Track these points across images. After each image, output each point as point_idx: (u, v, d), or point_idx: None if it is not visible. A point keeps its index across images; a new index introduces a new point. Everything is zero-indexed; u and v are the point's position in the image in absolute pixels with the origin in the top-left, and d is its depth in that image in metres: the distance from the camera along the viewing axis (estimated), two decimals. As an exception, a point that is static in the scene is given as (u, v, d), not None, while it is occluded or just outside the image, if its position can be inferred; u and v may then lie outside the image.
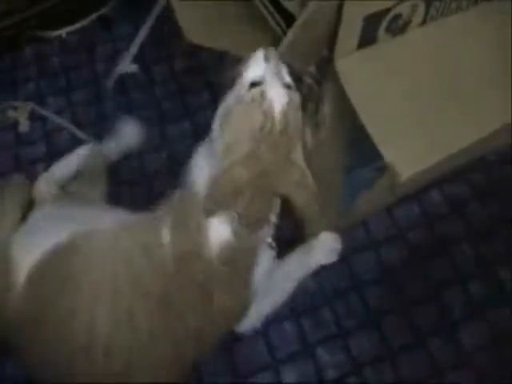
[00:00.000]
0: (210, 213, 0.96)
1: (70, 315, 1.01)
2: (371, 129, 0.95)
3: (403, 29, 0.96)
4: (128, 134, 1.52)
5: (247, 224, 0.98)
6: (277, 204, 1.04)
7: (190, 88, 1.68)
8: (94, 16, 1.82)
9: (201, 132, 1.56)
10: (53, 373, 1.04)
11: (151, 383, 1.04)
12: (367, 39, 0.94)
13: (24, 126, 1.62)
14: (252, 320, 1.17)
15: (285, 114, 0.94)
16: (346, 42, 0.93)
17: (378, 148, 0.95)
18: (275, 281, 1.18)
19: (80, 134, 1.61)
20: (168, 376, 1.04)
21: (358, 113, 0.95)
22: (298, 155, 0.97)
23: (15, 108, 1.65)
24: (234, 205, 0.95)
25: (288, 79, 0.98)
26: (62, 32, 1.81)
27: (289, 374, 1.29)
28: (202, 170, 1.02)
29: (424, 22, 0.99)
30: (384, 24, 0.92)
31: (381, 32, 0.94)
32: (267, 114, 0.93)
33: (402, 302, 1.37)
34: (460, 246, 1.46)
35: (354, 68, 0.96)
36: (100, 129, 1.61)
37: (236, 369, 1.29)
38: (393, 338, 1.31)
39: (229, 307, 1.04)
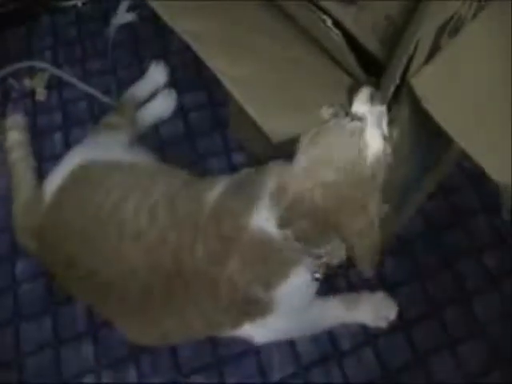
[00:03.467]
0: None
1: (98, 209, 1.10)
2: (465, 143, 0.89)
3: (459, 28, 0.93)
4: (156, 75, 1.61)
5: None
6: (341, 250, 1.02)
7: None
8: (109, -15, 1.80)
9: (216, 102, 1.60)
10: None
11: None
12: (434, 50, 0.91)
13: (41, 94, 1.63)
14: (268, 332, 1.16)
15: (378, 160, 0.93)
16: (418, 59, 0.90)
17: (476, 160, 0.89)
18: (309, 314, 1.17)
19: (103, 97, 1.62)
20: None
21: (447, 130, 0.89)
22: (374, 205, 0.95)
23: (32, 77, 1.66)
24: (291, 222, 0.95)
25: (386, 130, 0.95)
26: (78, 1, 1.81)
27: (302, 343, 1.30)
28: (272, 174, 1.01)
29: (475, 16, 0.96)
30: (448, 29, 0.89)
31: (444, 38, 0.91)
32: (362, 154, 0.92)
33: (417, 273, 1.38)
34: (475, 217, 1.46)
35: (429, 84, 0.91)
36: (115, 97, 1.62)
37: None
38: (407, 308, 1.31)
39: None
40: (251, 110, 0.98)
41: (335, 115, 0.96)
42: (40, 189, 1.22)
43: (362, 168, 0.92)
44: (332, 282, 1.33)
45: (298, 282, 1.04)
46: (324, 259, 1.01)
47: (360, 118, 0.94)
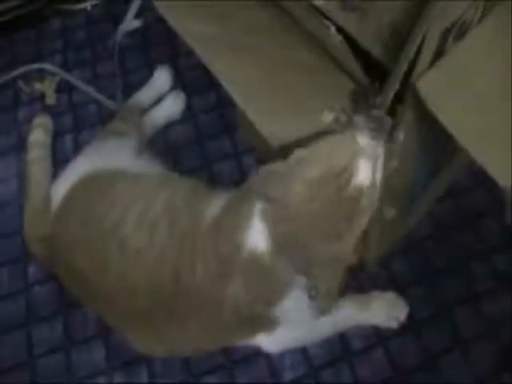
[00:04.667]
0: None
1: (103, 216, 1.11)
2: (470, 146, 0.89)
3: (465, 32, 0.93)
4: (160, 80, 1.61)
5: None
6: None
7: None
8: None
9: (226, 104, 1.60)
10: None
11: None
12: (438, 54, 0.91)
13: (51, 98, 1.64)
14: (278, 343, 1.17)
15: (361, 190, 0.90)
16: (423, 63, 0.89)
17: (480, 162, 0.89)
18: (319, 322, 1.14)
19: (108, 102, 1.62)
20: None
21: (452, 132, 0.89)
22: (349, 244, 0.93)
23: (41, 80, 1.66)
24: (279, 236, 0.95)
25: (378, 178, 0.93)
26: (87, 5, 1.82)
27: (313, 344, 1.30)
28: None
29: (480, 20, 0.96)
30: (453, 34, 0.89)
31: (449, 42, 0.91)
32: (347, 172, 0.90)
33: (427, 274, 1.37)
34: (485, 218, 1.46)
35: (434, 87, 0.90)
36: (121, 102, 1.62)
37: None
38: (417, 309, 1.31)
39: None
40: (251, 114, 0.99)
41: (336, 120, 0.96)
42: (49, 194, 1.22)
43: (344, 184, 0.90)
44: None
45: (296, 301, 1.03)
46: (319, 278, 0.98)
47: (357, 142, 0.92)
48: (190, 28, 1.06)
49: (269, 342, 1.15)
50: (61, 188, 1.20)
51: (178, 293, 1.04)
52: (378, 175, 0.93)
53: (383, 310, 1.27)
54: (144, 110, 1.54)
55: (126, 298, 1.08)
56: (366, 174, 0.91)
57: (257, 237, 0.97)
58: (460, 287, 1.36)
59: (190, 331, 1.09)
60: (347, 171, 0.90)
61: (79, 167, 1.23)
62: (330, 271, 0.95)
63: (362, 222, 0.93)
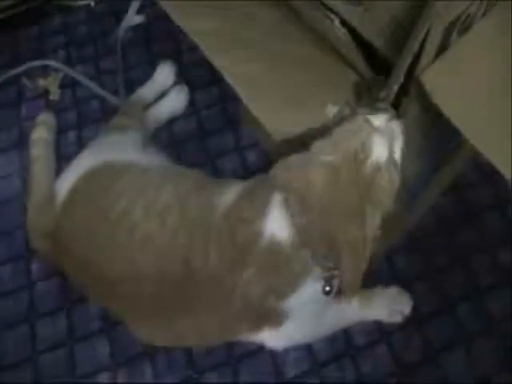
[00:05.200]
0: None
1: (110, 207, 1.11)
2: (475, 139, 0.88)
3: (469, 26, 0.93)
4: (163, 75, 1.62)
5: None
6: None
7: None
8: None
9: (229, 99, 1.60)
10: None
11: None
12: (443, 47, 0.91)
13: (55, 94, 1.64)
14: (283, 339, 1.16)
15: (378, 169, 0.91)
16: (427, 57, 0.89)
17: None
18: (324, 319, 1.16)
19: (112, 98, 1.63)
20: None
21: (457, 125, 0.88)
22: (371, 222, 0.92)
23: (45, 77, 1.67)
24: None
25: (397, 155, 0.94)
26: (90, 1, 1.82)
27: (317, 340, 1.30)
28: None
29: (485, 14, 0.95)
30: (457, 28, 0.89)
31: (454, 36, 0.91)
32: (364, 152, 0.90)
33: (430, 269, 1.37)
34: (488, 213, 1.45)
35: (439, 80, 0.90)
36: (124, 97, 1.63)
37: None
38: (420, 305, 1.31)
39: None
40: (254, 108, 0.99)
41: (340, 114, 0.96)
42: (53, 190, 1.23)
43: (361, 163, 0.90)
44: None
45: (309, 294, 1.03)
46: (335, 272, 0.99)
47: (372, 123, 0.93)
48: (193, 24, 1.06)
49: (274, 337, 1.14)
50: (66, 183, 1.20)
51: (188, 278, 1.04)
52: (398, 152, 0.94)
53: (387, 305, 1.27)
54: (147, 106, 1.54)
55: (135, 286, 1.08)
56: (381, 150, 0.91)
57: (277, 226, 0.97)
58: (463, 283, 1.36)
59: (198, 319, 1.08)
60: (363, 150, 0.90)
61: (84, 162, 1.23)
62: (355, 256, 0.93)
63: (385, 200, 0.93)
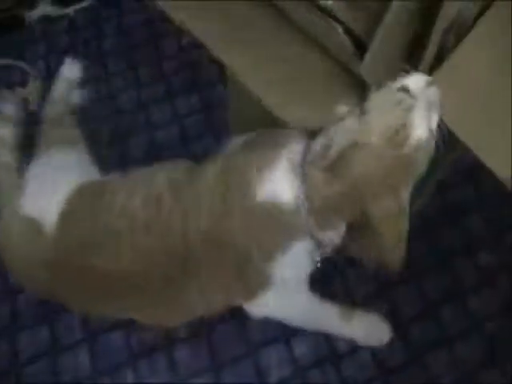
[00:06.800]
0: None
1: (109, 207, 1.09)
2: (472, 143, 0.90)
3: (465, 30, 0.93)
4: (67, 71, 1.61)
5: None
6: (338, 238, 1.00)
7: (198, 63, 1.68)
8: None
9: (209, 106, 1.60)
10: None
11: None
12: (441, 51, 0.92)
13: (35, 104, 1.63)
14: (265, 308, 1.14)
15: (418, 146, 0.90)
16: (426, 60, 0.90)
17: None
18: (301, 294, 1.15)
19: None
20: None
21: (454, 131, 0.91)
22: (405, 194, 0.92)
23: (24, 86, 1.66)
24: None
25: (434, 125, 0.92)
26: (70, 10, 1.82)
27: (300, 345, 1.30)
28: None
29: (480, 16, 0.96)
30: (453, 30, 0.90)
31: (451, 38, 0.91)
32: (405, 129, 0.89)
33: (413, 271, 1.37)
34: (471, 215, 1.46)
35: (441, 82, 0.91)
36: (110, 106, 1.63)
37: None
38: (403, 307, 1.32)
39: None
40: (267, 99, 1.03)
41: (351, 113, 0.95)
42: (32, 221, 1.14)
43: (401, 142, 0.89)
44: (329, 287, 1.34)
45: (297, 258, 1.02)
46: (325, 244, 0.99)
47: (409, 93, 0.91)
48: (196, 25, 1.08)
49: (254, 304, 1.13)
50: (51, 209, 1.14)
51: (190, 254, 1.03)
52: (435, 122, 0.92)
53: (363, 329, 1.26)
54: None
55: (143, 274, 1.07)
56: (421, 129, 0.90)
57: (279, 187, 0.96)
58: (445, 284, 1.37)
59: (203, 286, 1.08)
60: (404, 130, 0.89)
61: (63, 186, 1.18)
62: (394, 227, 0.93)
63: (420, 169, 0.93)
